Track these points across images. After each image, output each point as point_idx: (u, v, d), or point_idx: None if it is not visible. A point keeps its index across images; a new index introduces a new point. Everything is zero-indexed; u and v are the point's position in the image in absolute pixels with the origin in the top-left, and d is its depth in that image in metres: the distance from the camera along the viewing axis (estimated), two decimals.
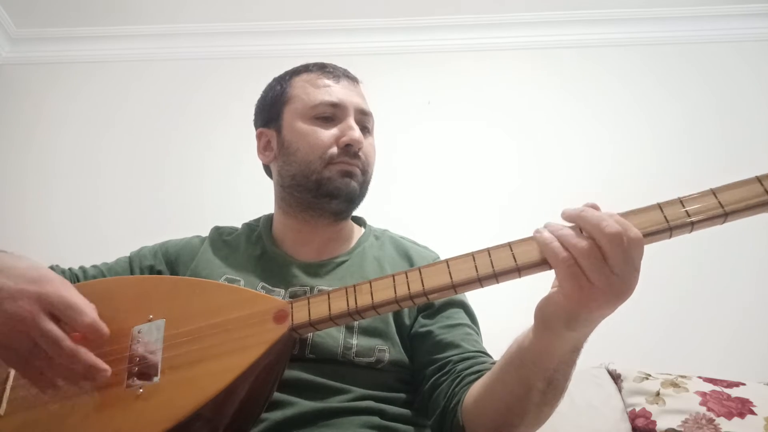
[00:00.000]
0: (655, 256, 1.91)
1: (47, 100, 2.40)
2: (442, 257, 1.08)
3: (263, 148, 1.12)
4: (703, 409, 1.37)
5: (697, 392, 1.42)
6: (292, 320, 0.72)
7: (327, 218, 1.06)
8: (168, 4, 2.35)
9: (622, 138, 2.19)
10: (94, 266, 1.08)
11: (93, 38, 2.45)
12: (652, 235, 0.61)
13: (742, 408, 1.37)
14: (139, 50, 2.44)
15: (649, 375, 1.51)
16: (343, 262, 1.05)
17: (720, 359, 1.77)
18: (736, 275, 1.95)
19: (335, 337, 0.92)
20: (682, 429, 1.34)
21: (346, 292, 0.71)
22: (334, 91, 1.06)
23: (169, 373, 0.73)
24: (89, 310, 0.73)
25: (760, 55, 2.26)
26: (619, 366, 1.58)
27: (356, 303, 0.70)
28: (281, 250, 1.08)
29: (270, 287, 0.99)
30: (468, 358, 0.91)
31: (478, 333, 1.01)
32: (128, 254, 1.11)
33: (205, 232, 1.16)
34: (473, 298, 1.04)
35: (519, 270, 0.64)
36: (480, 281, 0.65)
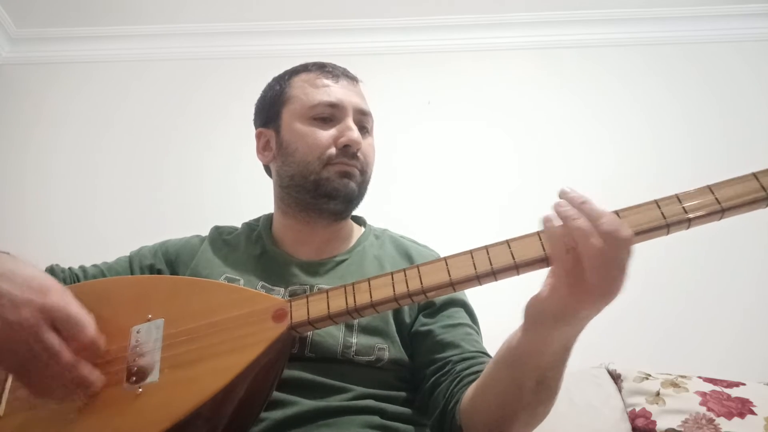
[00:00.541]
0: (655, 256, 1.93)
1: (47, 100, 2.40)
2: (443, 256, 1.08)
3: (262, 148, 1.12)
4: (703, 409, 1.37)
5: (697, 392, 1.42)
6: (291, 319, 0.72)
7: (326, 218, 1.06)
8: (167, 4, 2.35)
9: (622, 138, 2.19)
10: (94, 265, 1.08)
11: (93, 38, 2.45)
12: (649, 231, 0.61)
13: (742, 408, 1.37)
14: (139, 50, 2.44)
15: (649, 375, 1.50)
16: (342, 261, 1.05)
17: (720, 359, 1.77)
18: (736, 275, 1.95)
19: (335, 335, 0.92)
20: (682, 429, 1.34)
21: (345, 290, 0.71)
22: (332, 91, 1.06)
23: (168, 372, 0.73)
24: (89, 325, 0.74)
25: (760, 55, 2.26)
26: (619, 366, 1.58)
27: (355, 301, 0.70)
28: (281, 249, 1.08)
29: (270, 286, 1.00)
30: (467, 359, 0.91)
31: (479, 333, 1.00)
32: (128, 254, 1.11)
33: (205, 232, 1.16)
34: (473, 297, 1.04)
35: (517, 267, 0.64)
36: (478, 279, 0.65)
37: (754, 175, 0.60)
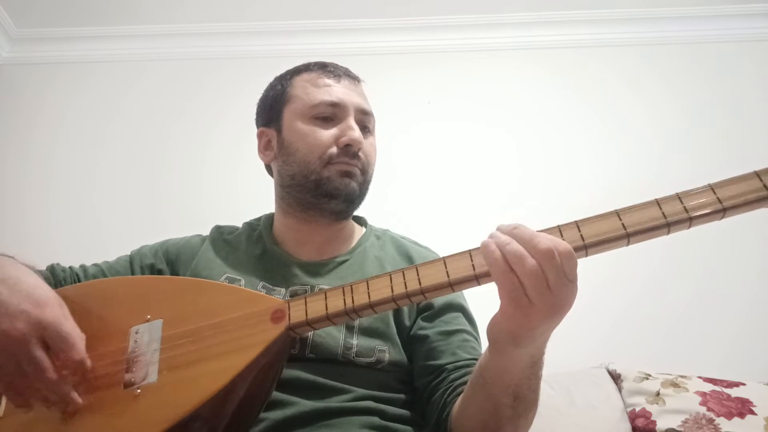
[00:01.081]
0: (655, 256, 1.92)
1: (47, 100, 2.40)
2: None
3: (264, 147, 1.12)
4: (703, 409, 1.37)
5: (697, 392, 1.42)
6: (289, 319, 0.72)
7: (327, 218, 1.06)
8: (167, 4, 2.35)
9: (623, 138, 2.19)
10: (94, 265, 1.08)
11: (92, 38, 2.44)
12: (649, 230, 0.61)
13: (742, 408, 1.36)
14: (139, 50, 2.44)
15: (649, 375, 1.50)
16: (343, 262, 1.05)
17: (720, 359, 1.77)
18: (736, 275, 1.95)
19: (335, 337, 0.92)
20: (682, 429, 1.34)
21: (343, 291, 0.71)
22: (334, 90, 1.05)
23: (167, 373, 0.73)
24: (79, 344, 0.74)
25: (761, 54, 2.25)
26: (619, 366, 1.58)
27: (353, 302, 0.70)
28: (282, 249, 1.07)
29: (271, 286, 0.99)
30: (461, 367, 0.91)
31: (477, 338, 1.00)
32: (129, 253, 1.11)
33: (205, 232, 1.16)
34: (473, 298, 1.04)
35: None
36: (477, 279, 0.65)
37: (756, 174, 0.60)
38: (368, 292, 0.70)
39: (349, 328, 0.94)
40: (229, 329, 0.73)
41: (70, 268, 1.06)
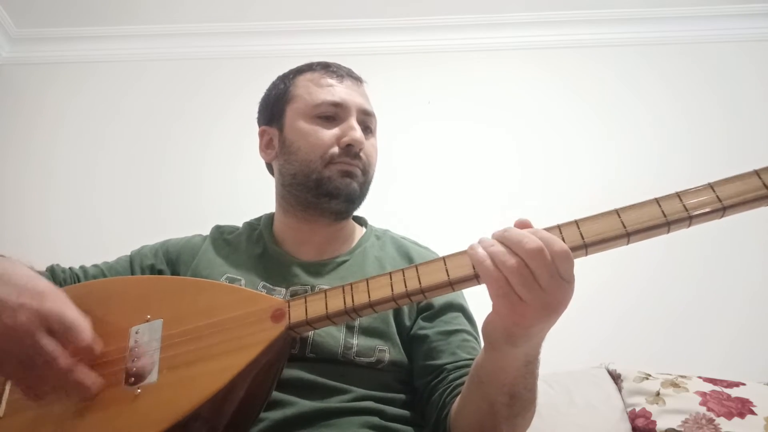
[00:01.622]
0: (655, 256, 1.92)
1: (47, 100, 2.40)
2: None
3: (265, 146, 1.12)
4: (703, 409, 1.36)
5: (697, 392, 1.42)
6: (289, 319, 0.72)
7: (327, 218, 1.06)
8: (167, 4, 2.35)
9: (623, 138, 2.19)
10: (94, 265, 1.08)
11: (92, 38, 2.44)
12: (649, 229, 0.61)
13: (742, 408, 1.36)
14: (139, 50, 2.44)
15: (649, 375, 1.50)
16: (344, 262, 1.05)
17: (720, 359, 1.77)
18: (736, 275, 1.95)
19: (336, 336, 0.92)
20: (682, 429, 1.34)
21: (343, 290, 0.71)
22: (336, 90, 1.06)
23: (167, 373, 0.73)
24: (86, 329, 0.74)
25: (761, 54, 2.26)
26: (619, 366, 1.58)
27: (353, 301, 0.70)
28: (282, 249, 1.07)
29: (271, 286, 0.99)
30: (461, 367, 0.91)
31: (477, 338, 1.00)
32: (129, 253, 1.11)
33: (205, 231, 1.16)
34: (473, 298, 1.04)
35: None
36: (477, 278, 0.65)
37: (756, 173, 0.60)
38: (368, 292, 0.70)
39: (350, 328, 0.94)
40: (229, 329, 0.73)
41: (70, 268, 1.05)
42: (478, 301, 1.04)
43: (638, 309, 1.85)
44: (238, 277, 1.01)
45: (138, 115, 2.35)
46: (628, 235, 0.61)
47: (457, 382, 0.88)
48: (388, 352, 0.94)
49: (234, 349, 0.71)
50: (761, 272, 1.94)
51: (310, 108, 1.05)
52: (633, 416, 1.42)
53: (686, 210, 0.60)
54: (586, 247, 0.62)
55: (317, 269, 1.03)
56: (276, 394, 0.84)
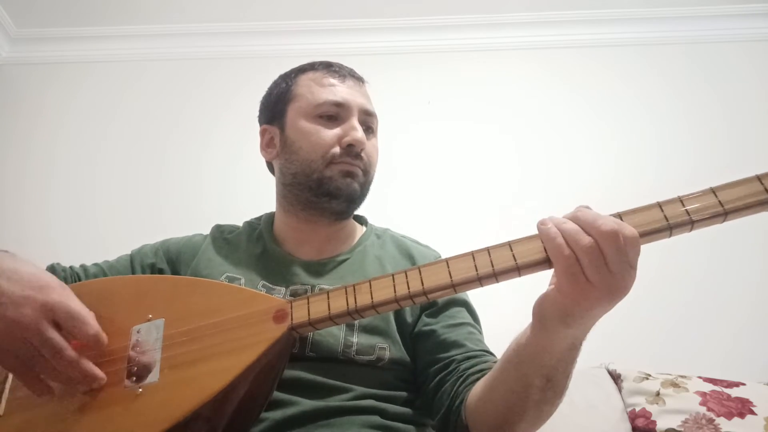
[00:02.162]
0: (655, 256, 1.92)
1: (47, 100, 2.40)
2: (443, 256, 1.08)
3: (266, 145, 1.12)
4: (703, 409, 1.37)
5: (697, 392, 1.42)
6: (292, 319, 0.72)
7: (328, 217, 1.06)
8: (168, 4, 2.35)
9: (624, 138, 2.19)
10: (95, 264, 1.08)
11: (92, 38, 2.44)
12: (651, 233, 0.61)
13: (742, 408, 1.37)
14: (139, 50, 2.44)
15: (649, 375, 1.50)
16: (344, 261, 1.05)
17: (720, 359, 1.77)
18: (736, 276, 1.95)
19: (335, 335, 0.92)
20: (682, 429, 1.34)
21: (346, 291, 0.71)
22: (338, 90, 1.06)
23: (169, 372, 0.73)
24: (91, 320, 0.75)
25: (763, 55, 2.25)
26: (619, 366, 1.58)
27: (356, 302, 0.70)
28: (282, 248, 1.08)
29: (271, 285, 0.99)
30: (471, 357, 0.91)
31: (480, 332, 1.01)
32: (129, 252, 1.11)
33: (204, 231, 1.16)
34: (475, 297, 1.04)
35: (519, 269, 0.64)
36: (480, 280, 0.65)
37: (758, 178, 0.60)
38: (371, 293, 0.69)
39: (349, 326, 0.94)
40: (231, 329, 0.73)
41: (70, 267, 1.06)
42: (479, 301, 1.05)
43: (638, 309, 1.84)
44: (238, 276, 1.01)
45: (138, 115, 2.35)
46: None
47: (471, 371, 0.88)
48: (388, 349, 0.94)
49: (235, 350, 0.71)
50: (761, 272, 1.94)
51: (312, 107, 1.05)
52: (633, 416, 1.42)
53: (689, 214, 0.60)
54: None
55: (317, 268, 1.03)
56: (276, 394, 0.84)
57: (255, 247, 1.08)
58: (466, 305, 1.03)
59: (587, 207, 0.63)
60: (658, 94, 2.24)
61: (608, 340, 1.86)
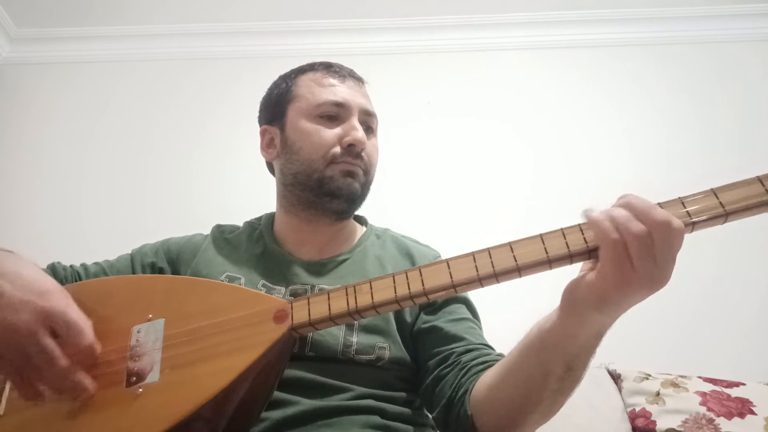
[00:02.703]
0: None
1: (47, 100, 2.40)
2: (443, 256, 1.08)
3: (266, 145, 1.12)
4: (703, 409, 1.37)
5: (697, 392, 1.42)
6: (292, 320, 0.72)
7: (328, 217, 1.06)
8: (169, 3, 2.35)
9: (631, 139, 2.18)
10: (95, 263, 1.08)
11: (93, 38, 2.45)
12: None
13: (742, 408, 1.37)
14: (141, 50, 2.44)
15: (649, 375, 1.51)
16: (344, 261, 1.05)
17: (720, 359, 1.77)
18: (737, 276, 1.95)
19: (335, 334, 0.92)
20: (682, 429, 1.34)
21: (346, 291, 0.71)
22: (338, 90, 1.06)
23: (169, 372, 0.73)
24: (87, 331, 0.74)
25: None
26: (619, 366, 1.58)
27: (356, 303, 0.70)
28: (282, 248, 1.08)
29: (271, 285, 0.99)
30: (472, 350, 0.91)
31: (480, 328, 1.00)
32: (130, 251, 1.11)
33: (195, 230, 1.16)
34: (476, 297, 1.04)
35: (519, 270, 0.64)
36: (480, 281, 0.65)
37: (759, 179, 0.60)
38: (371, 293, 0.69)
39: (349, 326, 0.94)
40: (232, 329, 0.73)
41: (71, 266, 1.06)
42: (479, 301, 1.05)
43: (638, 309, 1.83)
44: (238, 276, 1.01)
45: (139, 114, 2.36)
46: None
47: (473, 363, 0.87)
48: (388, 349, 0.94)
49: (236, 350, 0.71)
50: (761, 272, 1.94)
51: (312, 107, 1.05)
52: (633, 416, 1.42)
53: (689, 216, 0.60)
54: (589, 251, 0.63)
55: (317, 268, 1.03)
56: (276, 393, 0.83)
57: (255, 247, 1.08)
58: (466, 302, 1.03)
59: (635, 195, 0.62)
60: (665, 94, 2.23)
61: (608, 340, 1.86)
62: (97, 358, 0.75)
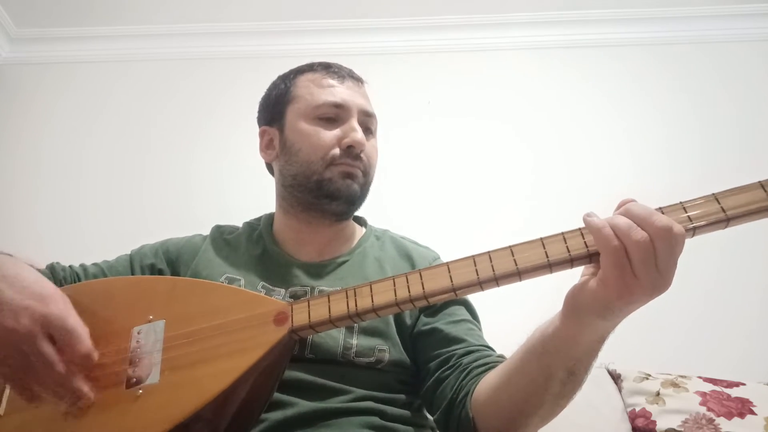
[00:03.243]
0: None
1: (48, 100, 2.40)
2: (442, 258, 1.08)
3: (265, 146, 1.12)
4: (703, 409, 1.37)
5: (697, 392, 1.42)
6: (292, 322, 0.72)
7: (328, 219, 1.06)
8: (170, 3, 2.35)
9: (632, 139, 2.18)
10: (94, 264, 1.08)
11: (93, 38, 2.45)
12: None
13: (742, 408, 1.37)
14: (140, 50, 2.44)
15: (649, 375, 1.51)
16: (343, 263, 1.05)
17: (720, 359, 1.77)
18: (737, 276, 1.95)
19: (335, 337, 0.92)
20: (682, 429, 1.34)
21: (346, 294, 0.71)
22: (337, 91, 1.05)
23: (169, 374, 0.73)
24: (85, 337, 0.75)
25: None
26: (619, 366, 1.58)
27: (356, 306, 0.70)
28: (282, 249, 1.07)
29: (270, 287, 0.99)
30: (473, 352, 0.91)
31: (480, 330, 1.00)
32: (129, 252, 1.11)
33: (193, 231, 1.16)
34: (477, 298, 1.04)
35: (520, 274, 0.64)
36: (480, 284, 0.65)
37: (761, 184, 0.59)
38: (371, 296, 0.69)
39: (349, 328, 0.94)
40: (232, 331, 0.73)
41: (70, 267, 1.05)
42: (480, 302, 1.05)
43: (639, 309, 1.84)
44: (238, 277, 1.01)
45: (140, 114, 2.36)
46: None
47: (474, 365, 0.87)
48: (388, 351, 0.94)
49: (236, 352, 0.71)
50: (762, 273, 1.94)
51: (311, 109, 1.04)
52: (633, 416, 1.42)
53: (690, 221, 0.60)
54: (590, 255, 0.63)
55: (317, 270, 1.03)
56: (276, 395, 0.84)
57: (255, 248, 1.08)
58: (465, 304, 1.02)
59: (631, 200, 0.62)
60: (665, 94, 2.23)
61: (608, 340, 1.87)
62: (97, 360, 0.75)
